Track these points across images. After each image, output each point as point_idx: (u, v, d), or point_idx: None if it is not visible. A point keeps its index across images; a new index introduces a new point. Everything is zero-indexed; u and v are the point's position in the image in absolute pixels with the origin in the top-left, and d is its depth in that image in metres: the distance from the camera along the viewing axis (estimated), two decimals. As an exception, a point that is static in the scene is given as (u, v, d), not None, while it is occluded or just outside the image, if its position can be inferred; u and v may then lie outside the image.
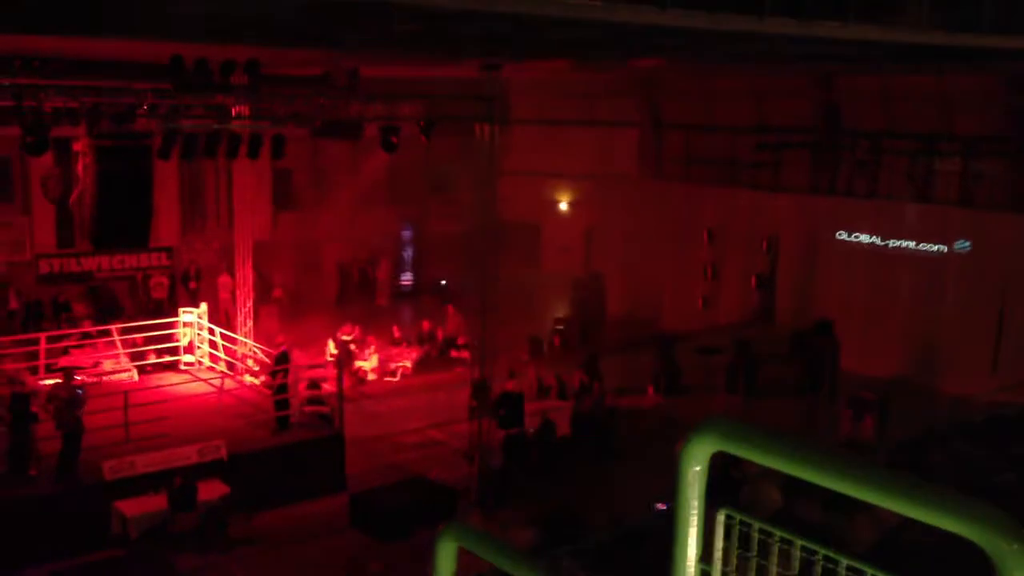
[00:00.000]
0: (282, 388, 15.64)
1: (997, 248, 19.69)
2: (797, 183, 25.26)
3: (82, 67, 15.27)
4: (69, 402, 13.25)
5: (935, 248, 20.60)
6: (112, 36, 11.91)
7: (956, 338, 20.29)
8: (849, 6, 12.13)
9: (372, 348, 19.89)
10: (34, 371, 17.01)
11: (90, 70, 14.96)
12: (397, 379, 19.39)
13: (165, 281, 22.71)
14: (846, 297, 22.18)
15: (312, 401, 16.20)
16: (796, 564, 2.56)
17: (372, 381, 19.08)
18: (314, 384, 16.65)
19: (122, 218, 13.22)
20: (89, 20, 10.45)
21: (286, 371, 15.69)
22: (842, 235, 22.22)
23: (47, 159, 14.23)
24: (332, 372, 16.37)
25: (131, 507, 13.03)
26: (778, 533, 2.56)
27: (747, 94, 24.70)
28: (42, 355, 17.51)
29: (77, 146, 13.62)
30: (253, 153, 15.21)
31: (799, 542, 2.50)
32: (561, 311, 24.38)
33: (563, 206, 28.95)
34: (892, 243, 21.38)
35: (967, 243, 20.13)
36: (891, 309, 21.44)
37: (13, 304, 20.46)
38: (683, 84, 26.26)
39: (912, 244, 21.00)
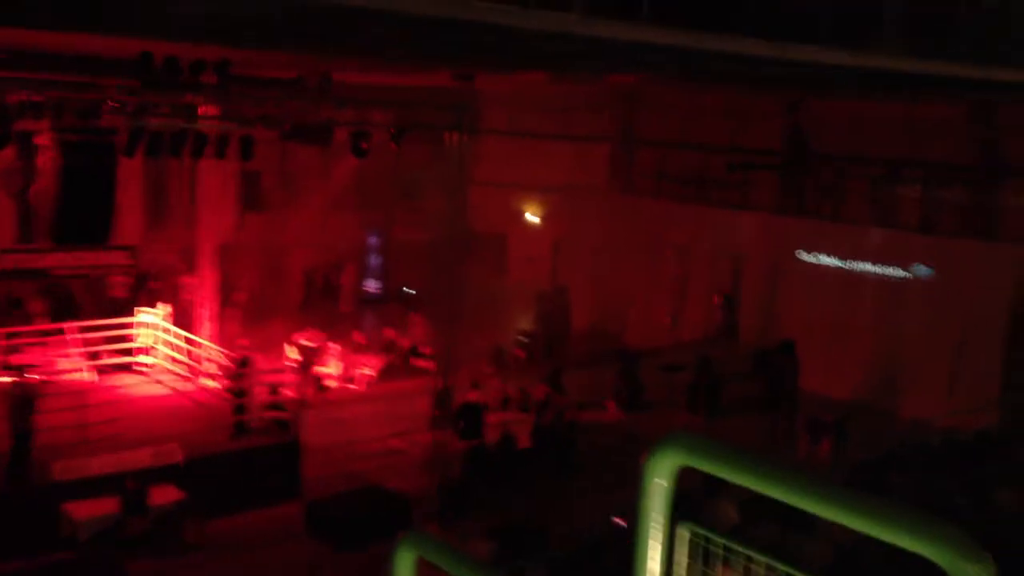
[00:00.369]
0: (241, 392, 15.47)
1: (957, 274, 19.98)
2: (765, 204, 25.53)
3: (48, 61, 15.05)
4: (24, 401, 12.98)
5: (897, 273, 20.87)
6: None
7: (915, 362, 20.56)
8: (823, 31, 12.29)
9: (333, 355, 19.73)
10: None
11: (56, 64, 14.75)
12: (359, 386, 19.24)
13: (125, 280, 22.34)
14: (809, 317, 22.40)
15: (271, 406, 16.02)
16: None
17: (334, 388, 18.91)
18: (274, 389, 16.47)
19: (83, 214, 13.03)
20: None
21: (246, 375, 15.52)
22: (806, 256, 22.44)
23: (8, 152, 13.98)
24: (292, 378, 16.22)
25: (82, 509, 12.76)
26: (739, 548, 2.53)
27: (721, 114, 24.92)
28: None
29: (40, 140, 13.41)
30: (220, 153, 15.06)
31: (760, 558, 2.48)
32: (526, 323, 24.36)
33: (532, 218, 28.97)
34: (855, 266, 21.62)
35: (927, 269, 20.42)
36: (853, 331, 21.68)
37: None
38: (657, 101, 26.44)
39: (874, 268, 21.25)
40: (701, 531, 2.66)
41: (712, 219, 24.33)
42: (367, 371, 19.75)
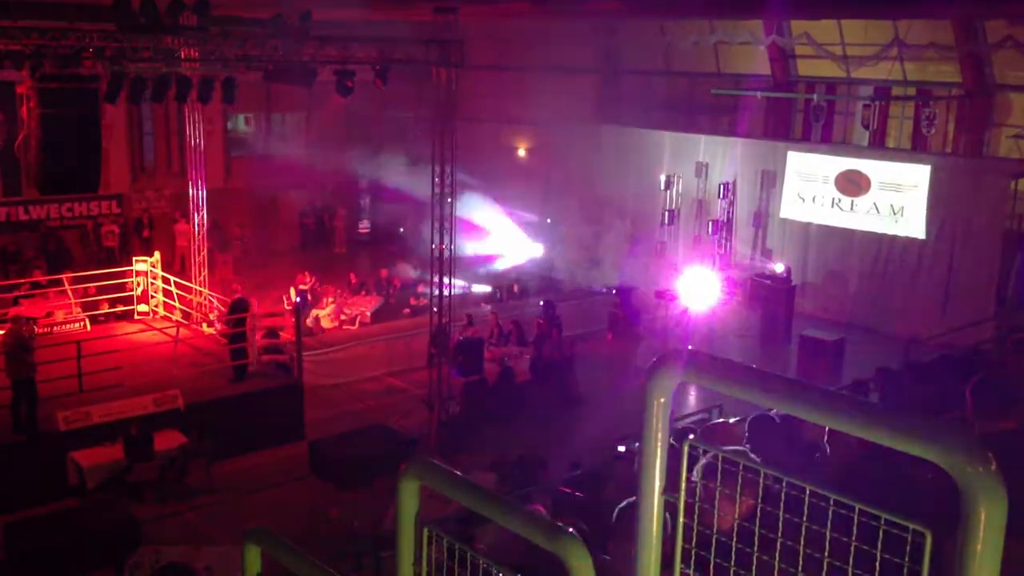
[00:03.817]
0: (239, 337, 15.48)
1: (947, 194, 19.95)
2: (754, 129, 25.35)
3: (25, 8, 14.75)
4: (18, 347, 12.97)
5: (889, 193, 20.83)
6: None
7: (909, 282, 20.64)
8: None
9: (330, 297, 19.75)
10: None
11: (33, 11, 14.45)
12: (355, 327, 19.28)
13: (116, 229, 22.27)
14: (802, 242, 22.41)
15: (270, 350, 16.07)
16: (760, 492, 2.56)
17: (331, 329, 18.95)
18: (272, 333, 16.51)
19: (69, 163, 12.84)
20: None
21: (243, 320, 15.53)
22: (796, 180, 22.35)
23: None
24: (290, 320, 16.24)
25: (87, 457, 12.90)
26: (743, 462, 2.55)
27: (705, 40, 24.62)
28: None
29: (21, 89, 13.19)
30: (203, 97, 14.84)
31: (765, 469, 2.50)
32: (519, 258, 24.36)
33: (521, 152, 28.78)
34: (845, 195, 21.56)
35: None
36: (846, 254, 21.71)
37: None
38: (641, 30, 26.10)
39: (866, 192, 21.20)
40: (703, 446, 2.68)
41: (700, 146, 24.15)
42: (364, 311, 19.79)
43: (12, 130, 14.43)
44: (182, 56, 14.63)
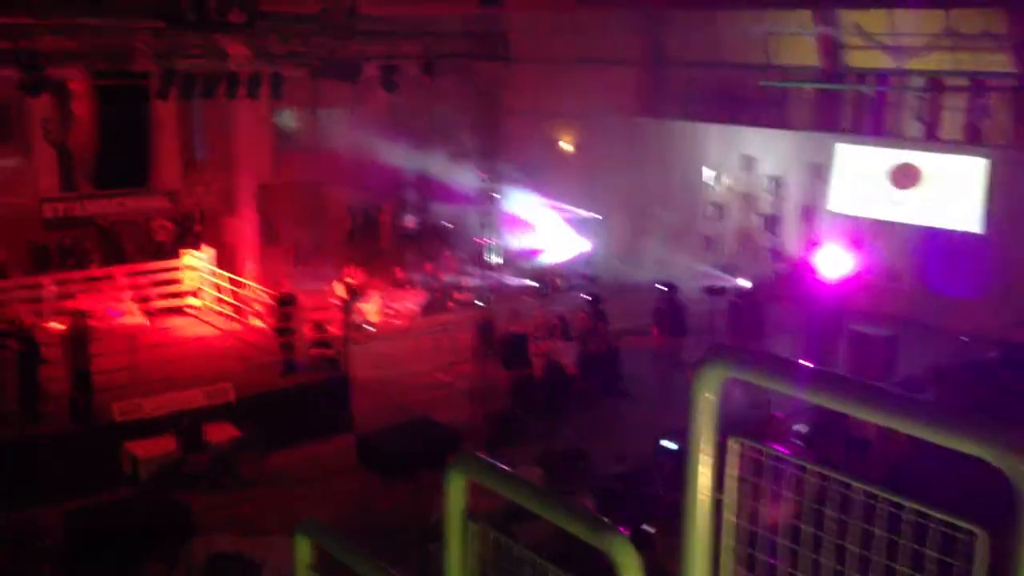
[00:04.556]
0: (286, 331, 15.67)
1: (1003, 186, 19.53)
2: (802, 122, 25.00)
3: (78, 6, 15.03)
4: (79, 340, 13.29)
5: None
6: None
7: (964, 277, 20.21)
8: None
9: (375, 292, 19.89)
10: (41, 314, 17.00)
11: (86, 9, 14.72)
12: (402, 321, 19.40)
13: (168, 224, 22.61)
14: (852, 235, 22.05)
15: (318, 344, 16.23)
16: (809, 490, 2.54)
17: (377, 323, 19.09)
18: (320, 327, 16.67)
19: (121, 159, 13.12)
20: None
21: (290, 314, 15.72)
22: (846, 173, 22.02)
23: (45, 100, 14.08)
24: (338, 315, 16.38)
25: (142, 448, 13.15)
26: (791, 459, 2.53)
27: (753, 31, 24.33)
28: (48, 299, 17.51)
29: (75, 86, 13.48)
30: (252, 93, 15.04)
31: (814, 468, 2.47)
32: (566, 252, 24.28)
33: (566, 146, 28.67)
34: (897, 187, 21.20)
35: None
36: (898, 249, 21.34)
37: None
38: (687, 21, 25.86)
39: (919, 185, 20.83)
40: (751, 443, 2.66)
41: (747, 139, 23.88)
42: (410, 306, 19.90)
43: (67, 126, 14.77)
44: (230, 53, 14.84)
